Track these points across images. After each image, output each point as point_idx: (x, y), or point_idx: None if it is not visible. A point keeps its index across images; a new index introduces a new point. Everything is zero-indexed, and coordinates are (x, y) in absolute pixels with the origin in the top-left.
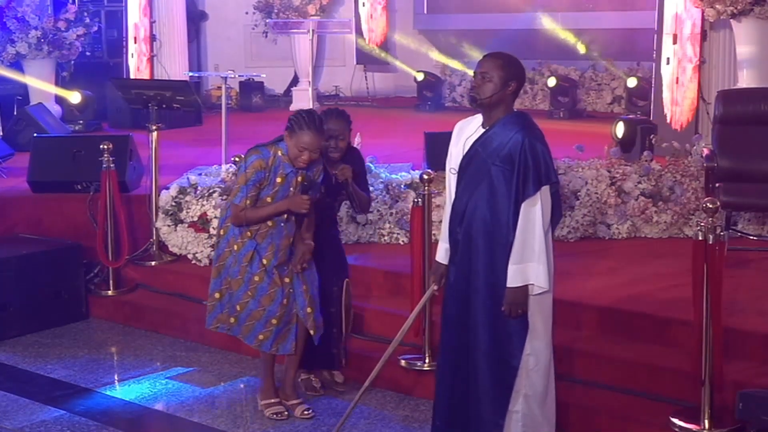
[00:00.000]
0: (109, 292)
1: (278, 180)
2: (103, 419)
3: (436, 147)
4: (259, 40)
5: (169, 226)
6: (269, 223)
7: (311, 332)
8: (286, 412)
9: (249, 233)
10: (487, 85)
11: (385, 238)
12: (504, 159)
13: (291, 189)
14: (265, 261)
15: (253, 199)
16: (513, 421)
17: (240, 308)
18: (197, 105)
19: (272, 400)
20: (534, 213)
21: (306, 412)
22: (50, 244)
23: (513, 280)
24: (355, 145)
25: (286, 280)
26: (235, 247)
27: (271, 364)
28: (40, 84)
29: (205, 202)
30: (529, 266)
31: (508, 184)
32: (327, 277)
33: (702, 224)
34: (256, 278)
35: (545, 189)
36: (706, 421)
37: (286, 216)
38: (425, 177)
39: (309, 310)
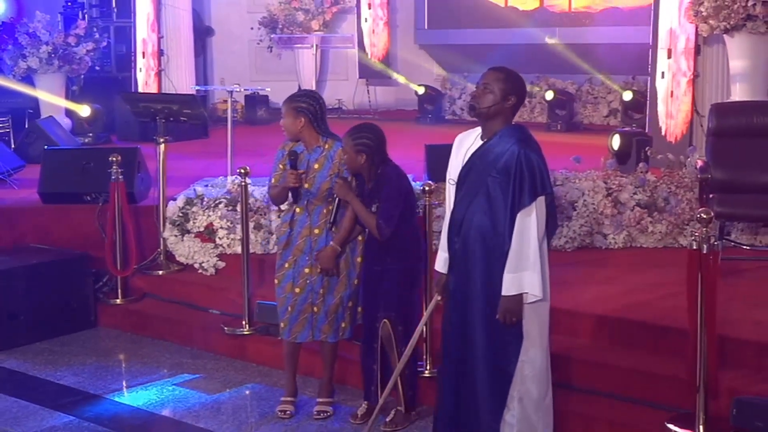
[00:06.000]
0: (117, 301)
1: None
2: (111, 425)
3: (437, 159)
4: (264, 55)
5: (176, 236)
6: (297, 210)
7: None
8: (289, 411)
9: (288, 224)
10: (488, 95)
11: None
12: (500, 170)
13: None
14: (296, 249)
15: (278, 178)
16: (507, 425)
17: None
18: (204, 118)
19: (286, 399)
20: (529, 223)
21: (317, 415)
22: (60, 254)
23: (508, 288)
24: None
25: (306, 270)
26: (278, 235)
27: (290, 361)
28: (50, 98)
29: (211, 213)
30: (524, 275)
31: (505, 194)
32: (373, 310)
33: (696, 234)
34: (286, 265)
35: (540, 199)
36: (701, 427)
37: (306, 203)
38: (426, 188)
39: (317, 311)
